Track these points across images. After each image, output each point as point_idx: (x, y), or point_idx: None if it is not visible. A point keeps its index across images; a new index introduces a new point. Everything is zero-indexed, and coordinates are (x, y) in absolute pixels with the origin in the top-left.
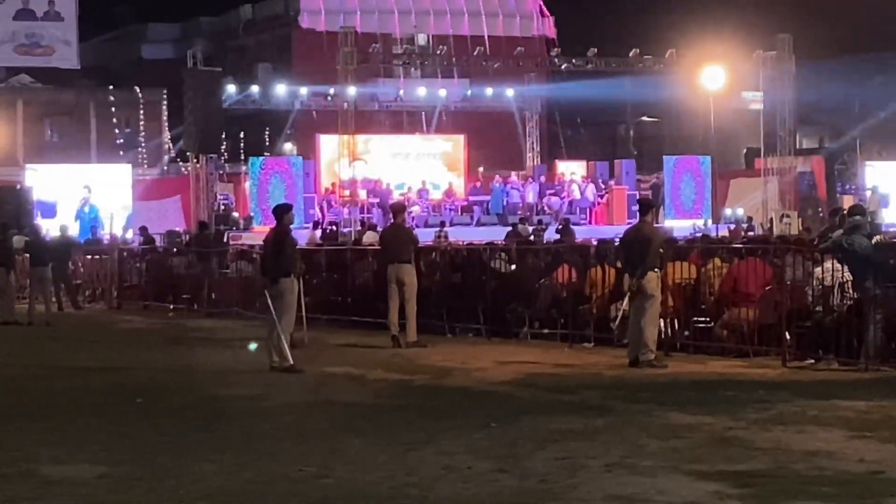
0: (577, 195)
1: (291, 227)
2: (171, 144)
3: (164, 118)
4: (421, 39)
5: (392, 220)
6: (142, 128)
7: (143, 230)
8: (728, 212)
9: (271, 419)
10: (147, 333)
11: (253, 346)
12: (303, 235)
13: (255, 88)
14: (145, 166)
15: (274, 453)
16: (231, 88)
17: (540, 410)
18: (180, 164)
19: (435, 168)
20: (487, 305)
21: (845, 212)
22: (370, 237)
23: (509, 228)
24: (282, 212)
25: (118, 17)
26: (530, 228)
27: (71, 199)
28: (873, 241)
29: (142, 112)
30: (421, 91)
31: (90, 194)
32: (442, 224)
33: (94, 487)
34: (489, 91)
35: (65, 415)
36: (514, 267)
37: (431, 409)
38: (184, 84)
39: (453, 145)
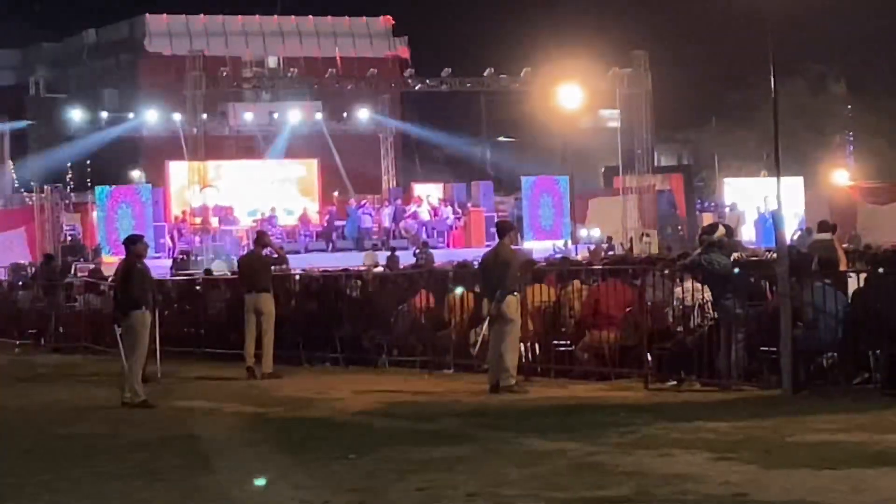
0: (425, 217)
1: (143, 258)
2: (14, 174)
3: (6, 147)
4: (271, 62)
5: (250, 247)
6: None
7: None
8: (587, 232)
9: (123, 458)
10: None
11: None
12: (156, 266)
13: (102, 114)
14: None
15: (125, 493)
16: (76, 115)
17: (400, 440)
18: (24, 194)
19: (289, 193)
20: (345, 334)
21: (702, 229)
22: (219, 266)
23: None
24: (130, 242)
25: None
26: (380, 254)
27: None
28: (732, 258)
29: None
30: (273, 115)
31: None
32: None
33: None
34: (343, 114)
35: None
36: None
37: (288, 441)
38: (26, 112)
39: (307, 169)
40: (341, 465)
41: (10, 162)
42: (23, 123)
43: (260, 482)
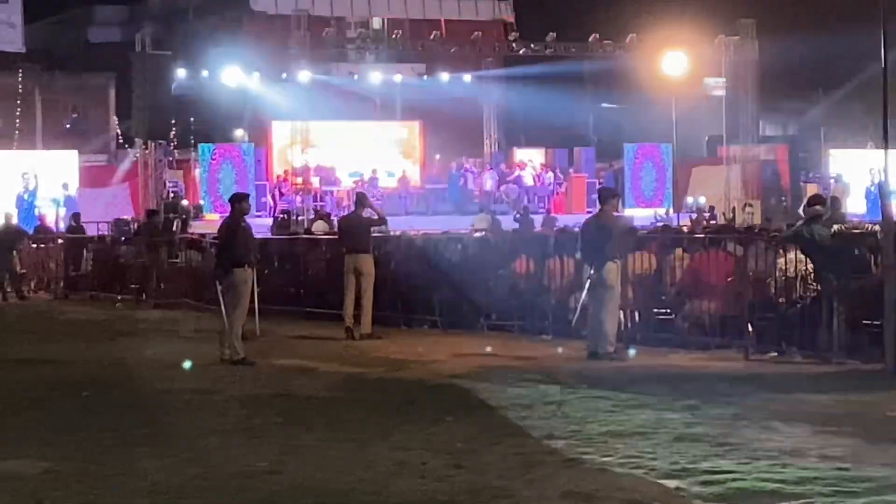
0: (527, 182)
1: (247, 216)
2: (119, 130)
3: (112, 103)
4: (375, 23)
5: (352, 209)
6: (89, 113)
7: (75, 217)
8: (689, 200)
9: (221, 413)
10: (93, 325)
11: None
12: (257, 224)
13: (205, 73)
14: (92, 152)
15: (223, 448)
16: (181, 73)
17: (497, 404)
18: (128, 150)
19: (390, 155)
20: (444, 297)
21: (806, 201)
22: (320, 226)
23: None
24: (236, 200)
25: None
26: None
27: (13, 187)
28: (833, 230)
29: (88, 98)
30: (376, 76)
31: (34, 181)
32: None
33: (38, 483)
34: (445, 76)
35: (6, 409)
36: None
37: (386, 403)
38: (132, 68)
39: (409, 132)
40: (439, 428)
41: (114, 118)
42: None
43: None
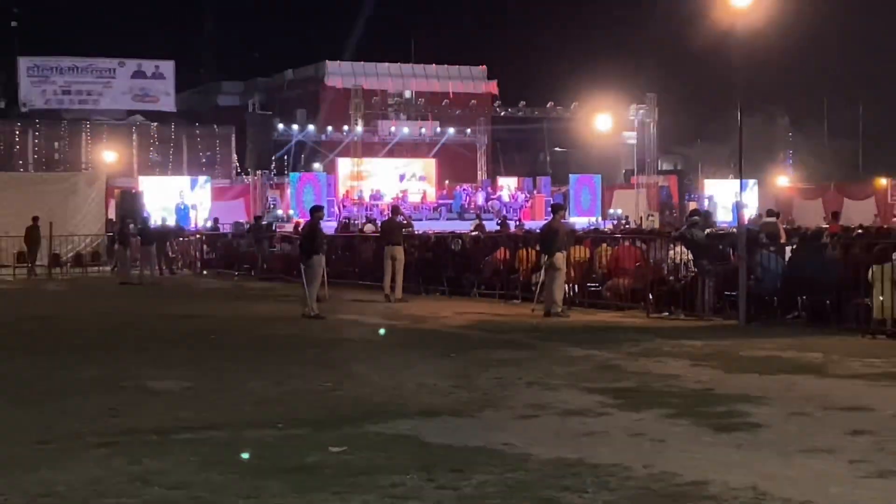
0: (505, 199)
1: (322, 221)
2: (237, 164)
3: (233, 146)
4: (406, 94)
5: (390, 216)
6: (218, 152)
7: (216, 221)
8: (612, 212)
9: (302, 351)
10: (219, 292)
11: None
12: (327, 226)
13: (294, 126)
14: (220, 178)
15: (303, 375)
16: (279, 126)
17: (484, 346)
18: (243, 176)
19: (415, 181)
20: (450, 274)
21: (688, 213)
22: (369, 228)
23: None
24: (315, 210)
25: (202, 76)
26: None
27: (169, 200)
28: (706, 232)
29: (217, 142)
30: (406, 129)
31: (182, 197)
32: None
33: (183, 396)
34: (452, 130)
35: (162, 347)
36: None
37: (411, 344)
38: (246, 123)
39: (428, 165)
40: (446, 361)
41: (234, 155)
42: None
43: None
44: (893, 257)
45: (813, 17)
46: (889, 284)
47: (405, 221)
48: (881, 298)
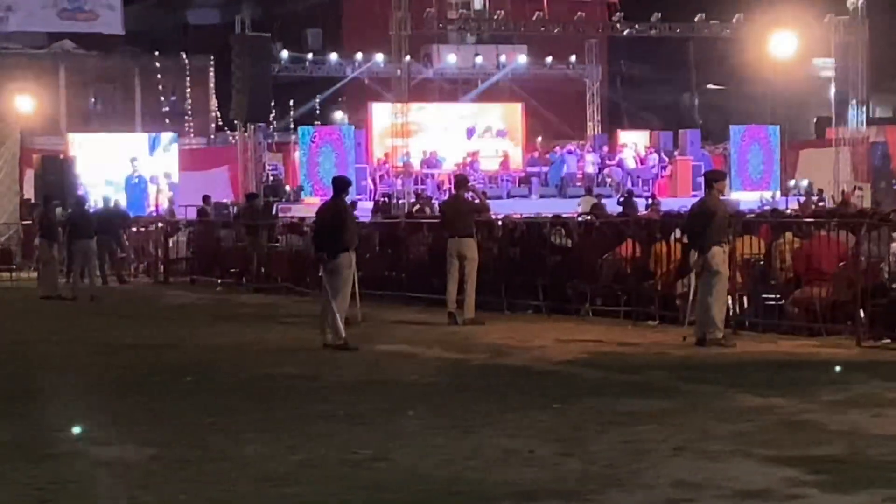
0: (630, 165)
1: (349, 200)
2: (218, 113)
3: (211, 86)
4: (477, 3)
5: (453, 192)
6: (188, 96)
7: (206, 200)
8: (797, 183)
9: (324, 399)
10: (194, 309)
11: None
12: (359, 208)
13: (308, 56)
14: (192, 136)
15: (327, 435)
16: (283, 54)
17: (604, 391)
18: (228, 133)
19: (491, 138)
20: (547, 281)
21: None
22: (422, 211)
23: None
24: (343, 185)
25: None
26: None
27: (116, 171)
28: None
29: (188, 79)
30: (477, 58)
31: (136, 166)
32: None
33: (145, 469)
34: (548, 58)
35: (111, 393)
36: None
37: (490, 389)
38: (231, 50)
39: (510, 114)
40: (546, 415)
41: (214, 100)
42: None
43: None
44: None
45: None
46: None
47: (477, 201)
48: None
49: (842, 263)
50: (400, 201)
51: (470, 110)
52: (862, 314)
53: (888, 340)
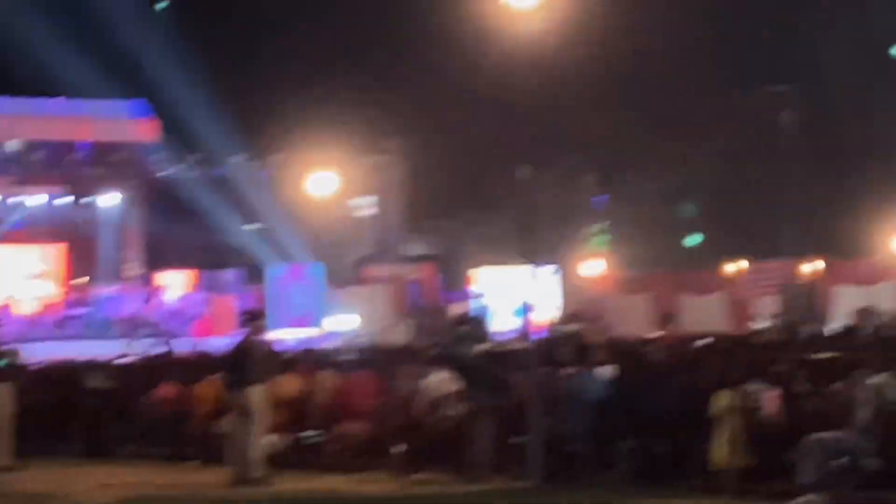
0: (170, 305)
1: None
2: None
3: None
4: (11, 145)
5: None
6: None
7: None
8: (336, 320)
9: None
10: None
11: None
12: None
13: None
14: None
15: None
16: None
17: None
18: None
19: (30, 280)
20: (85, 424)
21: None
22: None
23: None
24: None
25: None
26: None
27: None
28: (479, 349)
29: None
30: (13, 200)
31: None
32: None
33: None
34: (89, 198)
35: None
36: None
37: None
38: None
39: (52, 255)
40: None
41: None
42: None
43: None
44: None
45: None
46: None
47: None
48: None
49: (379, 400)
50: None
51: (7, 254)
52: (398, 449)
53: (421, 475)
